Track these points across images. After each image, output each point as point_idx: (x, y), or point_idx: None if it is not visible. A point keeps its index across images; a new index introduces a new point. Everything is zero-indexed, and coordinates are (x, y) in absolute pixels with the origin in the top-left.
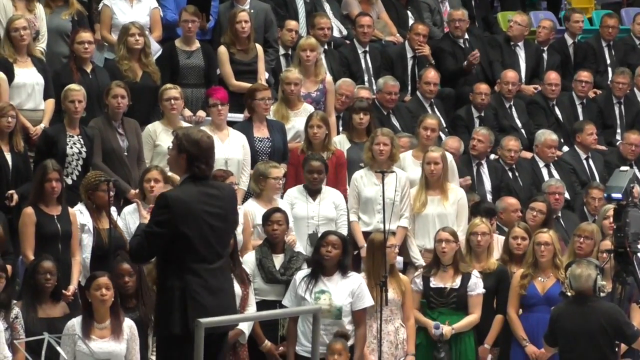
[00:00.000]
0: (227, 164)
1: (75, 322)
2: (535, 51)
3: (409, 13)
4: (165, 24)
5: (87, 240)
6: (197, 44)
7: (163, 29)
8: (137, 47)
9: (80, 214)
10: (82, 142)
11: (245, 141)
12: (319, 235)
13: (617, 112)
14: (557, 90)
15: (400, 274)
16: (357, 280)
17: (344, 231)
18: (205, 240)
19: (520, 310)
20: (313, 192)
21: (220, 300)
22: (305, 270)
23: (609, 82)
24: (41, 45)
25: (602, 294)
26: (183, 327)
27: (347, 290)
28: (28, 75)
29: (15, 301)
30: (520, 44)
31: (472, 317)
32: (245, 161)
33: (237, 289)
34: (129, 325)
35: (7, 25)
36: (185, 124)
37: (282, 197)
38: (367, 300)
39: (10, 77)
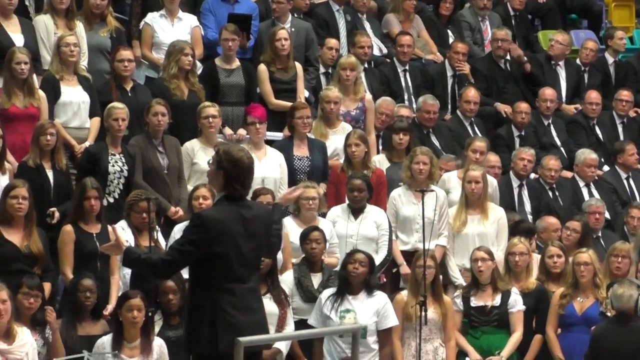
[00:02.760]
0: (264, 182)
1: (105, 340)
2: (576, 70)
3: (449, 32)
4: (206, 43)
5: None
6: (237, 63)
7: (204, 47)
8: (188, 68)
9: (122, 230)
10: (124, 161)
11: (282, 160)
12: None
13: None
14: (597, 110)
15: (444, 296)
16: (382, 300)
17: (384, 251)
18: (238, 260)
19: (559, 330)
20: (356, 210)
21: (251, 318)
22: (331, 289)
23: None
24: (83, 64)
25: None
26: (213, 347)
27: (372, 309)
28: (74, 94)
29: None
30: (561, 63)
31: (516, 337)
32: (282, 180)
33: (275, 308)
34: (158, 344)
35: (57, 42)
36: (222, 141)
37: (325, 215)
38: (392, 320)
39: (57, 94)
